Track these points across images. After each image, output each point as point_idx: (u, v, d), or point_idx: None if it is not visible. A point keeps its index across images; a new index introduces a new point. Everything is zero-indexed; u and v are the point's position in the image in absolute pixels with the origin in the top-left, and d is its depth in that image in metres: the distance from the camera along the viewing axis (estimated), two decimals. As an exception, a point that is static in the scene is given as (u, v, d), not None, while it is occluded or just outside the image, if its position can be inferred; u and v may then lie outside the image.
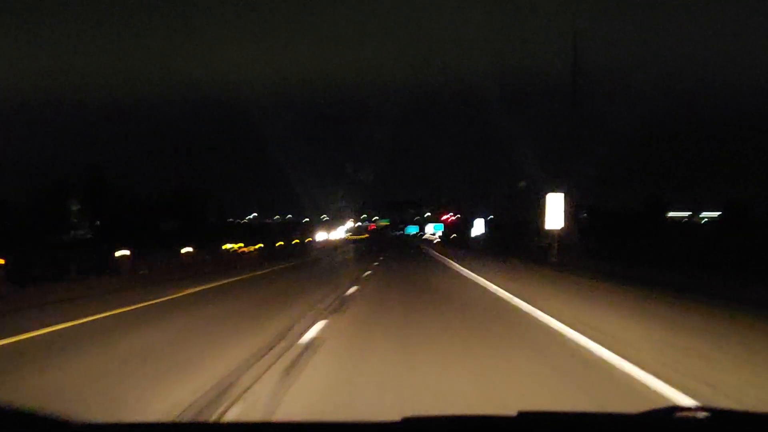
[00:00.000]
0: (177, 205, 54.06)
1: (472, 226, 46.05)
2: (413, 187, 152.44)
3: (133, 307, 10.70)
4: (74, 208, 53.28)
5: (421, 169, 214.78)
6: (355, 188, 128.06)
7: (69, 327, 8.41)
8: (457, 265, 23.51)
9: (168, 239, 33.09)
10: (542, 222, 25.98)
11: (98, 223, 51.50)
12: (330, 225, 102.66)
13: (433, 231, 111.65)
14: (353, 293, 12.61)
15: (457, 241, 64.03)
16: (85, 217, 53.63)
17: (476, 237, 44.57)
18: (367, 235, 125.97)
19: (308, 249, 51.86)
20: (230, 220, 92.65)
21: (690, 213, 74.10)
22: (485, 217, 43.32)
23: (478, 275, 17.18)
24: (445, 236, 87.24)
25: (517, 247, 34.99)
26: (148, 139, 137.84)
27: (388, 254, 37.27)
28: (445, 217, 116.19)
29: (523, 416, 1.79)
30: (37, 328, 8.09)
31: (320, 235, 74.24)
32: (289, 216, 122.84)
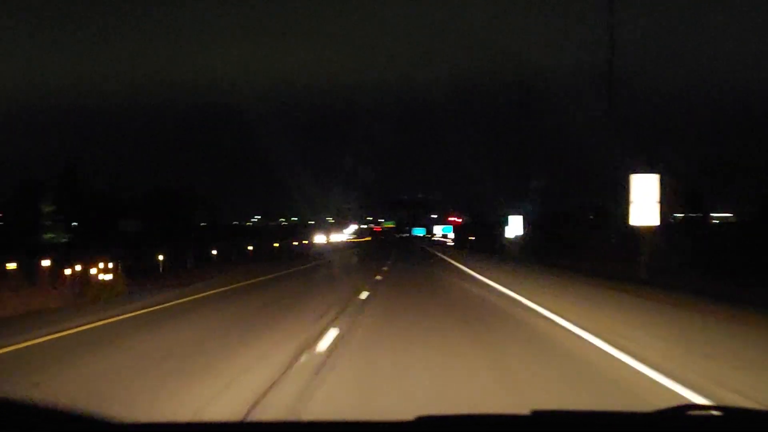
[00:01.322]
0: (160, 205, 49.09)
1: (504, 224, 38.14)
2: (419, 188, 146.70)
3: None
4: (47, 209, 49.72)
5: (427, 170, 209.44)
6: (359, 190, 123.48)
7: None
8: (513, 293, 14.02)
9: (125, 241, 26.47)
10: (625, 215, 19.23)
11: (75, 224, 48.73)
12: (334, 227, 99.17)
13: (442, 233, 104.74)
14: None
15: (479, 244, 56.47)
16: (60, 218, 50.28)
17: (512, 239, 36.58)
18: (369, 238, 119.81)
19: (272, 260, 34.26)
20: (235, 222, 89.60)
21: (700, 214, 68.14)
22: (523, 215, 35.55)
23: (578, 327, 8.81)
24: (459, 239, 78.71)
25: (571, 250, 28.53)
26: (147, 142, 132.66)
27: (393, 263, 29.57)
28: (452, 219, 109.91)
29: (537, 415, 1.76)
30: None
31: (318, 238, 69.70)
32: (294, 219, 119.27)
